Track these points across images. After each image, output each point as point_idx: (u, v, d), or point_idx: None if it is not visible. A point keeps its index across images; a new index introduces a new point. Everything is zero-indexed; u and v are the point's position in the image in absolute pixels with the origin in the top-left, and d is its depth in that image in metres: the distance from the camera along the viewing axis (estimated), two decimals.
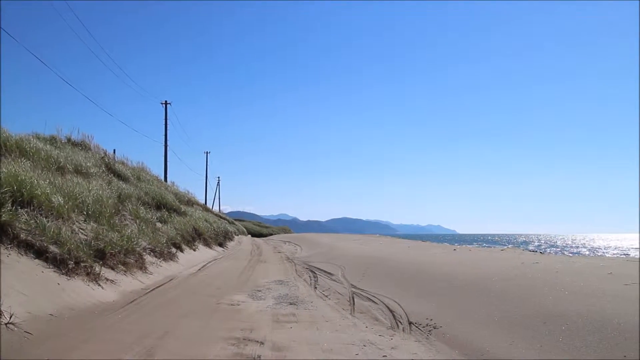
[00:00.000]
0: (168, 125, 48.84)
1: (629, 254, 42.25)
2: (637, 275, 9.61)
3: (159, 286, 11.59)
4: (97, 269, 10.12)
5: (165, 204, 23.07)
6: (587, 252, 49.07)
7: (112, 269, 11.02)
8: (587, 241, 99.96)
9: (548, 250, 46.50)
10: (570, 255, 28.08)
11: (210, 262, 19.17)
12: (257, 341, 6.75)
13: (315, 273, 15.44)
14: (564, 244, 77.86)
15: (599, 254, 42.36)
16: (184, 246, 19.38)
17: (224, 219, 53.46)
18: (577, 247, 66.33)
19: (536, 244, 76.14)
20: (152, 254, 14.47)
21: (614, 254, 42.50)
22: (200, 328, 7.49)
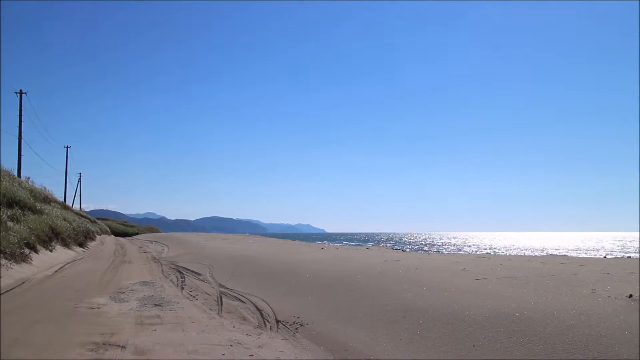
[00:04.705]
0: (23, 117, 45.07)
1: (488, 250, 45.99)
2: (486, 271, 10.57)
3: (9, 290, 10.69)
4: None
5: (19, 201, 21.45)
6: (474, 250, 52.62)
7: None
8: (442, 239, 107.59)
9: (407, 247, 49.23)
10: (430, 252, 29.95)
11: (68, 263, 18.04)
12: (119, 345, 6.45)
13: (182, 273, 15.10)
14: (427, 242, 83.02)
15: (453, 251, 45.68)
16: (39, 247, 18.04)
17: (86, 217, 50.63)
18: (441, 245, 71.03)
19: (402, 241, 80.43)
20: (1, 255, 13.31)
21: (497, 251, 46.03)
22: (55, 334, 7.01)
